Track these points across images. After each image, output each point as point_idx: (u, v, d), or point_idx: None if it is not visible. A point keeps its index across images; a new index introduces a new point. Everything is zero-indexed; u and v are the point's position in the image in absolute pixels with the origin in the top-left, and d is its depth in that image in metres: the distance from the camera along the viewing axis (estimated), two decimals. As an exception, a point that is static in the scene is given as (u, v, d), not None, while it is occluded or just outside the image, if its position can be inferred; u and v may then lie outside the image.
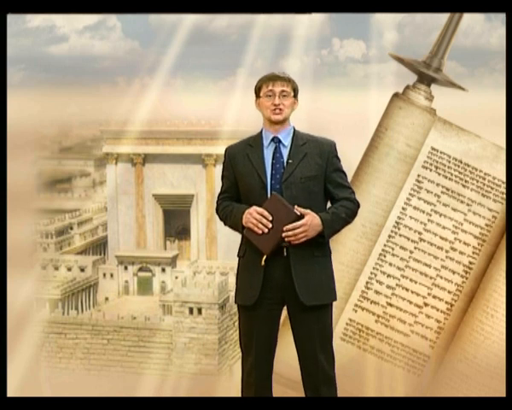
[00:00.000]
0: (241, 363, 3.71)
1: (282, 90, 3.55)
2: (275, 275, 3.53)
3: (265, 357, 3.63)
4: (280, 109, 3.55)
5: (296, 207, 3.47)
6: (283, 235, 3.46)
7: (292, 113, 3.62)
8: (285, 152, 3.57)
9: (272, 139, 3.58)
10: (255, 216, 3.46)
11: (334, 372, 3.67)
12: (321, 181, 3.57)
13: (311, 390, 3.63)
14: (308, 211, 3.48)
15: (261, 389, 3.65)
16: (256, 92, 3.62)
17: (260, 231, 3.46)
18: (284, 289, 3.54)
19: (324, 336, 3.62)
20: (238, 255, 3.65)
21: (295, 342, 3.64)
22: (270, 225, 3.45)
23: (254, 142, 3.62)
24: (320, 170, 3.56)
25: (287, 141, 3.58)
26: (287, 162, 3.55)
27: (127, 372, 46.63)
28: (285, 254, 3.51)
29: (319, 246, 3.55)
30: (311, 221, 3.46)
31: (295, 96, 3.60)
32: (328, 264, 3.62)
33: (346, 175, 3.65)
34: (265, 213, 3.45)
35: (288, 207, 3.44)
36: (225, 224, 3.65)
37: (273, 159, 3.56)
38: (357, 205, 3.62)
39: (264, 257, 3.50)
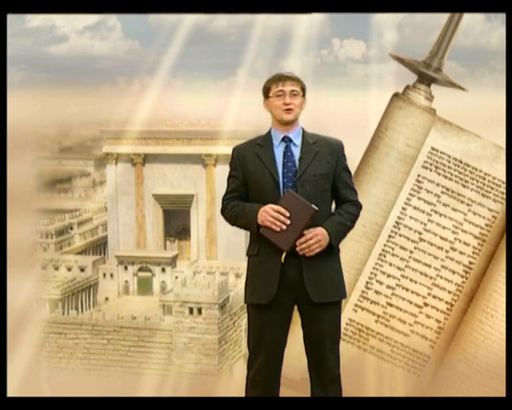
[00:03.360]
0: (247, 362, 3.70)
1: (292, 90, 3.58)
2: (289, 274, 3.54)
3: (276, 356, 3.64)
4: (291, 109, 3.57)
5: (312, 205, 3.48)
6: (297, 249, 3.48)
7: (301, 112, 3.64)
8: (296, 151, 3.59)
9: (283, 138, 3.60)
10: (272, 214, 3.46)
11: (340, 372, 3.71)
12: (330, 179, 3.60)
13: (319, 388, 3.67)
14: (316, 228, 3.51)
15: (268, 388, 3.67)
16: (264, 93, 3.63)
17: (278, 229, 3.46)
18: (296, 288, 3.56)
19: (334, 335, 3.66)
20: (248, 254, 3.64)
21: (305, 340, 3.66)
22: (289, 222, 3.45)
23: (263, 141, 3.63)
24: (331, 168, 3.60)
25: (297, 140, 3.61)
26: (299, 160, 3.57)
27: (127, 372, 46.66)
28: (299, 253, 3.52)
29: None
30: (323, 234, 3.50)
31: (304, 95, 3.63)
32: (338, 261, 3.66)
33: (351, 175, 3.70)
34: (282, 210, 3.45)
35: (305, 203, 3.45)
36: (234, 224, 3.63)
37: (284, 158, 3.58)
38: (360, 207, 3.67)
39: (284, 254, 3.50)
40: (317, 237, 3.48)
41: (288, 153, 3.58)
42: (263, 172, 3.56)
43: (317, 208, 3.45)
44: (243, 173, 3.61)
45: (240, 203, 3.60)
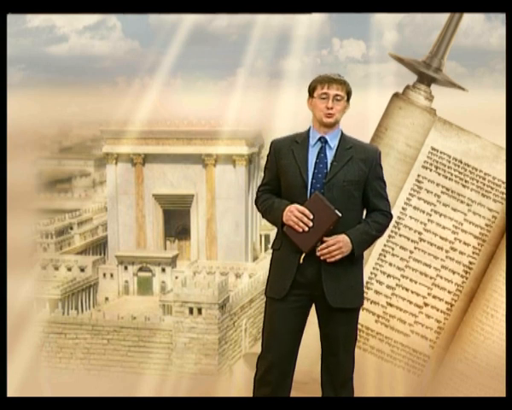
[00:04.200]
0: (256, 361, 3.69)
1: (336, 94, 3.58)
2: (306, 273, 3.56)
3: (287, 355, 3.63)
4: (332, 114, 3.57)
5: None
6: (318, 254, 3.50)
7: (342, 116, 3.63)
8: (330, 153, 3.60)
9: (319, 139, 3.61)
10: (296, 214, 3.49)
11: (353, 375, 3.71)
12: (361, 187, 3.60)
13: (330, 390, 3.67)
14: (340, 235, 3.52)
15: (279, 387, 3.64)
16: (309, 92, 3.64)
17: (301, 230, 3.48)
18: (314, 288, 3.57)
19: (349, 339, 3.66)
20: (272, 247, 3.67)
21: (321, 341, 3.67)
22: (311, 224, 3.47)
23: (301, 139, 3.64)
24: (363, 176, 3.59)
25: (333, 143, 3.61)
26: (331, 164, 3.57)
27: (127, 372, 46.61)
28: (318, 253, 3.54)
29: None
30: (345, 241, 3.51)
31: (348, 99, 3.63)
32: (359, 269, 3.65)
33: (385, 184, 3.68)
34: (306, 212, 3.48)
35: (329, 207, 3.47)
36: (264, 217, 3.68)
37: (317, 158, 3.59)
38: (390, 218, 3.65)
39: (303, 255, 3.53)
40: (338, 244, 3.49)
41: (321, 154, 3.59)
42: (294, 170, 3.59)
43: (340, 214, 3.46)
44: (277, 167, 3.64)
45: (271, 197, 3.64)
